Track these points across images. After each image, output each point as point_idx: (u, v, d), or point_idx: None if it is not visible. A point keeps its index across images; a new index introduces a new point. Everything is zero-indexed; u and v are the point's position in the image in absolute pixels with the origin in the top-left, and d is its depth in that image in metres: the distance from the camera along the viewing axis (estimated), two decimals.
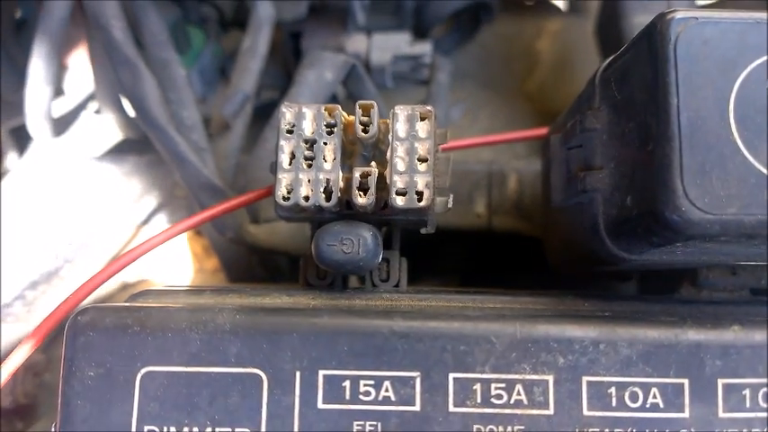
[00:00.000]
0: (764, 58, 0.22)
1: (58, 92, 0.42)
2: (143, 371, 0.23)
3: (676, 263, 0.27)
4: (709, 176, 0.21)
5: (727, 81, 0.22)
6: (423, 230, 0.29)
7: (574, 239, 0.29)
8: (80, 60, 0.42)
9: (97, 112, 0.44)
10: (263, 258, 0.39)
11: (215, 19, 0.49)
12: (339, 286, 0.29)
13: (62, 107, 0.42)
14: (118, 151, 0.43)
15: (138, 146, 0.42)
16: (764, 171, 0.22)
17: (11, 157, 0.50)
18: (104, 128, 0.42)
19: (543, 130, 0.33)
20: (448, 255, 0.42)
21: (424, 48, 0.47)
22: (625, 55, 0.25)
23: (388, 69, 0.47)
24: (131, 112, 0.39)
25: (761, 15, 0.23)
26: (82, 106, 0.43)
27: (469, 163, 0.41)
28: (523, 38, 0.56)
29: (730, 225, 0.21)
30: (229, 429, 0.22)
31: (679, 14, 0.23)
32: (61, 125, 0.40)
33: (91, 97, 0.45)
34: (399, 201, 0.26)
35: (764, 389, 0.22)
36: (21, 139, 0.49)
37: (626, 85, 0.25)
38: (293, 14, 0.43)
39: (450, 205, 0.29)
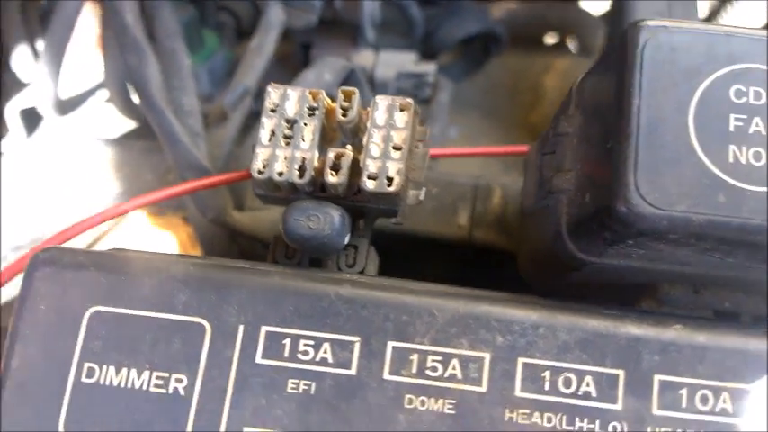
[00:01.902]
0: (729, 68, 0.23)
1: (68, 75, 0.43)
2: (91, 310, 0.23)
3: (636, 273, 0.27)
4: (663, 174, 0.22)
5: (689, 87, 0.23)
6: (393, 221, 0.30)
7: (541, 246, 0.30)
8: (92, 46, 0.44)
9: (108, 100, 0.46)
10: (244, 247, 0.39)
11: (232, 26, 0.51)
12: (306, 266, 0.30)
13: (71, 90, 0.44)
14: (121, 137, 0.44)
15: (139, 132, 0.43)
16: (718, 173, 0.22)
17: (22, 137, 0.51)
18: (112, 114, 0.44)
19: (524, 147, 0.34)
20: (428, 264, 0.42)
21: (429, 67, 0.48)
22: (600, 62, 0.26)
23: (392, 85, 0.48)
24: (135, 97, 0.40)
25: (730, 28, 0.24)
26: (92, 91, 0.45)
27: (457, 175, 0.41)
28: (531, 73, 0.58)
29: (678, 222, 0.22)
30: (167, 374, 0.23)
31: (649, 22, 0.24)
32: (68, 106, 0.42)
33: (101, 84, 0.47)
34: (370, 184, 0.27)
35: (702, 391, 0.22)
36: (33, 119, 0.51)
37: (597, 89, 0.26)
38: (303, 22, 0.45)
39: (421, 198, 0.30)
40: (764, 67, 0.23)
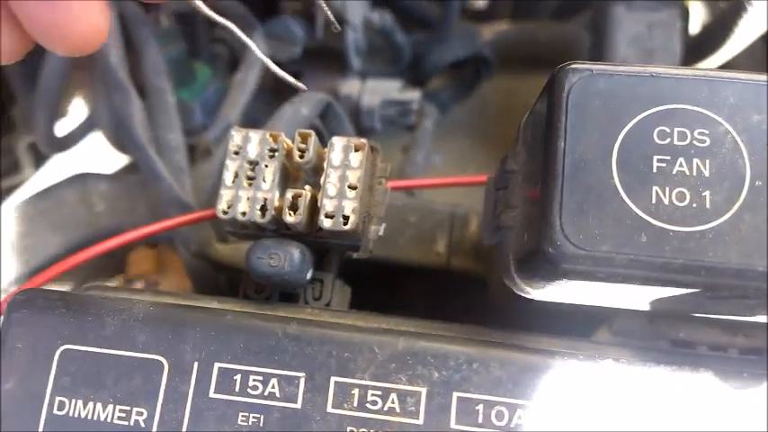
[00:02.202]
0: (654, 109, 0.24)
1: (63, 113, 0.46)
2: (62, 348, 0.25)
3: (586, 308, 0.28)
4: (587, 215, 0.23)
5: (614, 129, 0.24)
6: (355, 255, 0.32)
7: (499, 280, 0.31)
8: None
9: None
10: (229, 277, 0.41)
11: (225, 58, 0.53)
12: (275, 300, 0.32)
13: (67, 127, 0.46)
14: (118, 170, 0.46)
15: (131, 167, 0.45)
16: (641, 213, 0.23)
17: (27, 171, 0.54)
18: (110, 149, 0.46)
19: (483, 177, 0.35)
20: (407, 292, 0.43)
21: (413, 95, 0.50)
22: (537, 102, 0.27)
23: (377, 113, 0.49)
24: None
25: (656, 69, 0.25)
26: (87, 127, 0.47)
27: (436, 203, 0.43)
28: (522, 94, 0.58)
29: (602, 262, 0.23)
30: (128, 408, 0.24)
31: (575, 66, 0.25)
32: (65, 142, 0.44)
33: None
34: (326, 222, 0.29)
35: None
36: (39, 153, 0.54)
37: (535, 128, 0.27)
38: (287, 54, 0.47)
39: (381, 233, 0.31)
40: (689, 107, 0.24)
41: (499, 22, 0.62)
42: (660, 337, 0.30)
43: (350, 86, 0.50)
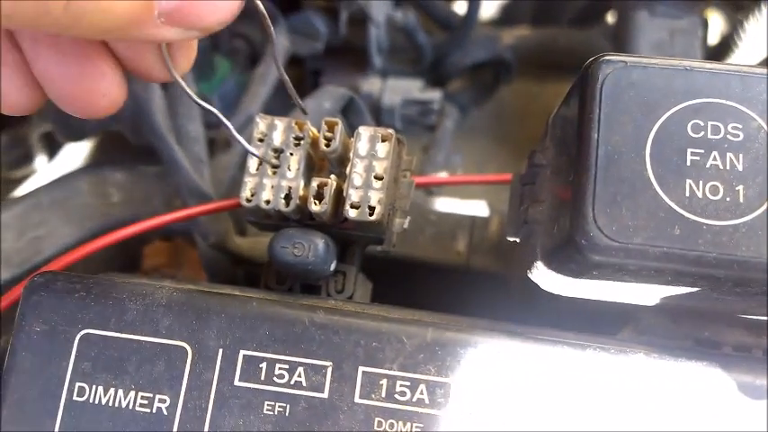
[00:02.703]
0: (687, 102, 0.24)
1: None
2: (82, 332, 0.25)
3: (611, 304, 0.28)
4: (620, 207, 0.23)
5: (647, 121, 0.24)
6: (378, 248, 0.31)
7: (523, 275, 0.31)
8: None
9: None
10: (247, 272, 0.41)
11: (245, 53, 0.53)
12: (297, 292, 0.31)
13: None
14: (132, 160, 0.46)
15: (149, 158, 0.45)
16: (674, 206, 0.23)
17: (40, 162, 0.54)
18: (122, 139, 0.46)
19: (507, 176, 0.35)
20: (426, 290, 0.43)
21: (434, 95, 0.49)
22: (568, 95, 0.27)
23: (398, 112, 0.49)
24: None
25: (690, 63, 0.24)
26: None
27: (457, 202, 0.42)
28: (541, 99, 0.58)
29: (635, 254, 0.22)
30: (151, 395, 0.24)
31: (609, 57, 0.24)
32: (82, 131, 0.44)
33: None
34: (352, 213, 0.28)
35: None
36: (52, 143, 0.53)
37: (565, 122, 0.27)
38: (309, 49, 0.46)
39: (405, 226, 0.31)
40: (723, 102, 0.24)
41: (519, 27, 0.62)
42: (684, 336, 0.29)
43: (371, 84, 0.50)
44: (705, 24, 0.55)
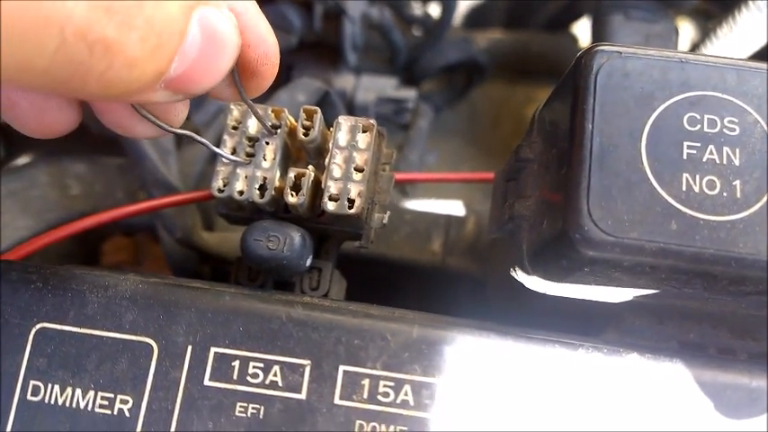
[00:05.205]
0: (684, 95, 0.23)
1: None
2: (38, 326, 0.23)
3: (597, 304, 0.27)
4: (615, 200, 0.22)
5: (643, 113, 0.23)
6: (356, 244, 0.30)
7: (505, 274, 0.30)
8: None
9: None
10: (214, 269, 0.39)
11: None
12: (269, 289, 0.30)
13: None
14: (93, 151, 0.44)
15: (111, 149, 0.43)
16: (671, 201, 0.22)
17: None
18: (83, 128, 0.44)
19: (491, 175, 0.34)
20: (400, 290, 0.42)
21: (410, 93, 0.48)
22: (558, 88, 0.26)
23: (372, 109, 0.48)
24: None
25: (684, 55, 0.24)
26: None
27: (432, 202, 0.41)
28: (513, 102, 0.58)
29: (631, 249, 0.21)
30: (112, 395, 0.22)
31: (603, 47, 0.24)
32: None
33: None
34: (330, 205, 0.27)
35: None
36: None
37: (555, 115, 0.26)
38: (283, 43, 0.45)
39: (385, 221, 0.30)
40: (719, 95, 0.23)
41: (492, 30, 0.61)
42: (670, 337, 0.29)
43: (344, 81, 0.48)
44: (676, 32, 0.55)
